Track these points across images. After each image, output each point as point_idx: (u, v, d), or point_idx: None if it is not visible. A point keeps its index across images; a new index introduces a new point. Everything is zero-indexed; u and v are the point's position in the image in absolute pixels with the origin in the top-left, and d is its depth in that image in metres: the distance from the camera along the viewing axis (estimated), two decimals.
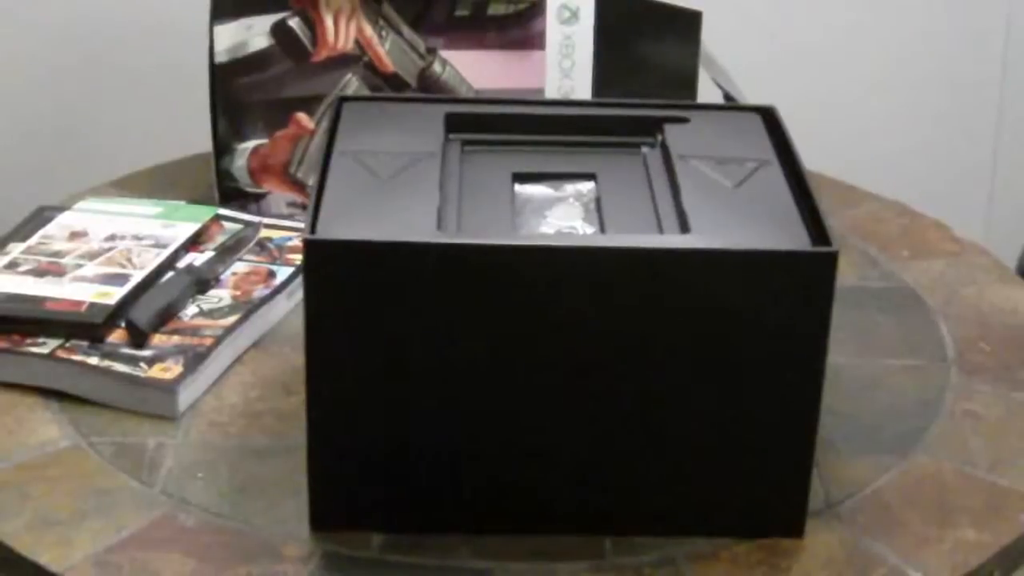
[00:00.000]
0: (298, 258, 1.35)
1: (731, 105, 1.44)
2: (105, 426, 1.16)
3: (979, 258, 1.45)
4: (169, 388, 1.17)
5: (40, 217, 1.41)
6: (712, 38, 1.49)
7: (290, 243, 1.39)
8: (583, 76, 1.47)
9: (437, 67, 1.48)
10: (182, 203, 1.45)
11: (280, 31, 1.46)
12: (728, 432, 1.02)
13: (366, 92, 1.47)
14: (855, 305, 1.34)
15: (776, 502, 1.05)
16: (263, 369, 1.24)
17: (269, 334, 1.28)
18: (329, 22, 1.46)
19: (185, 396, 1.18)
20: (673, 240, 1.02)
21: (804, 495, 1.05)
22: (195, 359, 1.20)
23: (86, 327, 1.22)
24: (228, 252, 1.37)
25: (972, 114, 2.23)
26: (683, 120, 1.17)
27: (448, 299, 0.99)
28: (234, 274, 1.34)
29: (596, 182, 1.13)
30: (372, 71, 1.48)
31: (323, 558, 1.03)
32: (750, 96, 1.46)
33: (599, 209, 1.10)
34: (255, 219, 1.43)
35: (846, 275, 1.36)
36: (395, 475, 1.04)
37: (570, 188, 1.12)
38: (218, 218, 1.42)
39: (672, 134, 1.15)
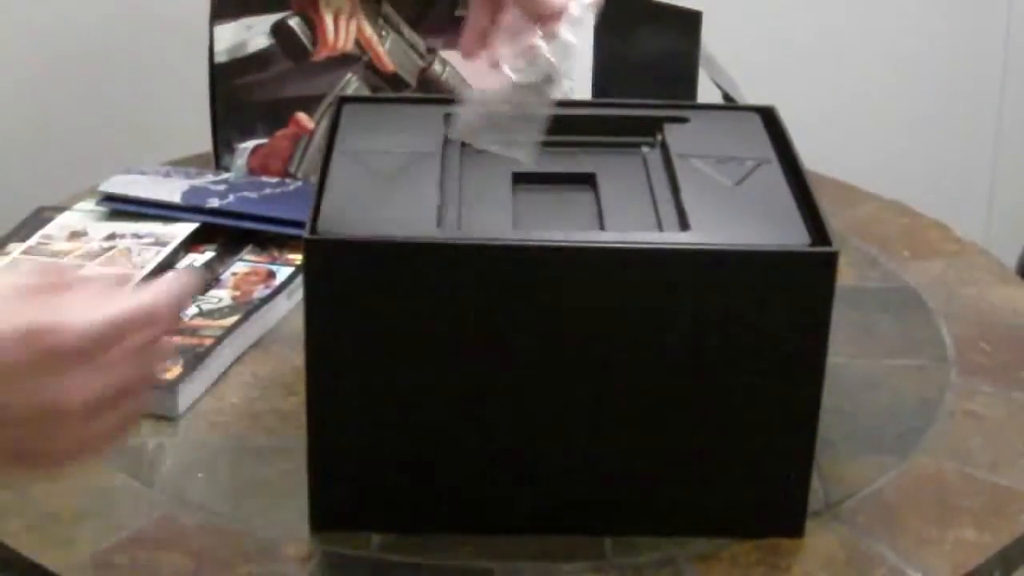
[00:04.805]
0: (298, 258, 1.35)
1: (731, 105, 1.44)
2: None
3: (979, 258, 1.45)
4: (169, 388, 1.17)
5: (39, 217, 1.41)
6: (712, 38, 1.49)
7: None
8: (583, 76, 1.47)
9: (437, 67, 1.48)
10: None
11: (280, 31, 1.46)
12: (728, 432, 1.02)
13: (366, 92, 1.47)
14: (855, 305, 1.34)
15: (776, 502, 1.05)
16: (263, 369, 1.24)
17: (269, 334, 1.28)
18: (329, 22, 1.46)
19: (185, 396, 1.18)
20: (673, 238, 1.02)
21: (804, 495, 1.05)
22: (195, 359, 1.20)
23: None
24: (228, 252, 1.37)
25: (972, 114, 2.24)
26: (683, 120, 1.17)
27: (448, 298, 0.99)
28: (234, 274, 1.34)
29: (596, 182, 1.13)
30: (372, 71, 1.48)
31: (323, 558, 1.03)
32: (750, 96, 1.46)
33: (599, 208, 1.10)
34: None
35: (846, 275, 1.36)
36: (395, 475, 1.03)
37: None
38: None
39: (672, 134, 1.15)
